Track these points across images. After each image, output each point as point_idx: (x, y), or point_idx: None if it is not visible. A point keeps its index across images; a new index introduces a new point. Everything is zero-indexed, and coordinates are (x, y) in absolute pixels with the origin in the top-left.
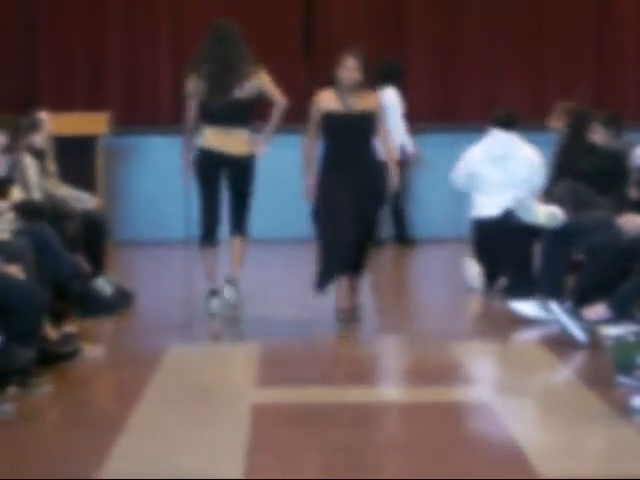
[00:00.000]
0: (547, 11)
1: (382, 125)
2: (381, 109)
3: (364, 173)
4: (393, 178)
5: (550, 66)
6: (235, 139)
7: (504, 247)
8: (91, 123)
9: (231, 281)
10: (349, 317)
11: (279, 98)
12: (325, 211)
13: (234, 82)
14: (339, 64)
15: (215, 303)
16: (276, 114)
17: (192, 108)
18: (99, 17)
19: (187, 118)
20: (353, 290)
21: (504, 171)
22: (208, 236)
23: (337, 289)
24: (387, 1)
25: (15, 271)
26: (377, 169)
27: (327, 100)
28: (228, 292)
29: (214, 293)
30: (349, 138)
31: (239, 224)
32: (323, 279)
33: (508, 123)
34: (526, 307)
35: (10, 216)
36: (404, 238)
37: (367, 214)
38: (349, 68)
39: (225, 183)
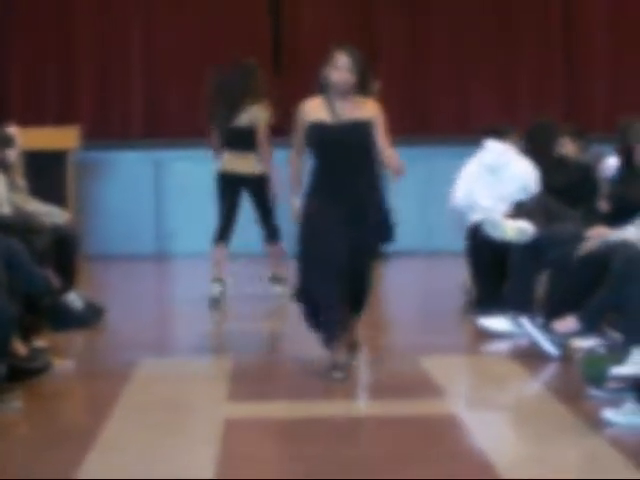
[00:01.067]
0: (517, 28)
1: (381, 139)
2: (380, 118)
3: (359, 199)
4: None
5: (521, 82)
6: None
7: (471, 262)
8: (61, 137)
9: (278, 279)
10: (344, 370)
11: (260, 133)
12: (310, 247)
13: (234, 114)
14: (328, 64)
15: (217, 288)
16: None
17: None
18: (69, 31)
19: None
20: (351, 329)
21: (498, 182)
22: (222, 235)
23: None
24: (356, 17)
25: None
26: (376, 194)
27: (313, 109)
28: (275, 288)
29: (218, 280)
30: (339, 155)
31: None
32: (325, 337)
33: (500, 133)
34: (496, 322)
35: None
36: None
37: (363, 250)
38: (341, 68)
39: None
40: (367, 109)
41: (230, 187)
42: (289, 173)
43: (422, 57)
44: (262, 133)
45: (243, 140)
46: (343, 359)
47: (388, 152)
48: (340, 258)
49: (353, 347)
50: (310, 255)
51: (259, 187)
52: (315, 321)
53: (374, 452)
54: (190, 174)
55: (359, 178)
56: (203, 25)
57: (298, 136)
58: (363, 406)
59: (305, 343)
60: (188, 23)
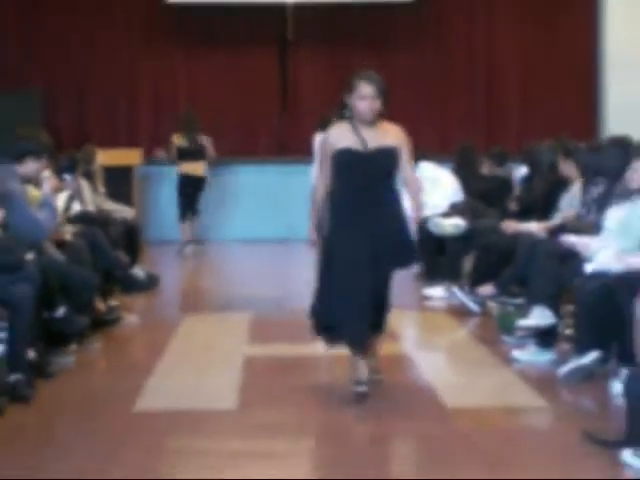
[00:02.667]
0: (452, 79)
1: (407, 166)
2: (406, 145)
3: (382, 223)
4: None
5: (453, 117)
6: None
7: (419, 247)
8: (129, 156)
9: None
10: (367, 385)
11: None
12: (333, 273)
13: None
14: (352, 93)
15: (189, 249)
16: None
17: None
18: (135, 79)
19: None
20: (371, 352)
21: (436, 189)
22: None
23: (354, 362)
24: (342, 74)
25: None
26: (400, 219)
27: (340, 136)
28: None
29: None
30: (366, 180)
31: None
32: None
33: (428, 156)
34: (435, 291)
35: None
36: None
37: (385, 272)
38: (366, 97)
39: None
40: (393, 135)
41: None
42: (314, 199)
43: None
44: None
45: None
46: (365, 374)
47: (414, 185)
48: (364, 282)
49: (376, 371)
50: (334, 278)
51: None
52: (331, 334)
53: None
54: (219, 182)
55: (383, 203)
56: (231, 77)
57: (325, 163)
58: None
59: (301, 303)
60: (220, 75)
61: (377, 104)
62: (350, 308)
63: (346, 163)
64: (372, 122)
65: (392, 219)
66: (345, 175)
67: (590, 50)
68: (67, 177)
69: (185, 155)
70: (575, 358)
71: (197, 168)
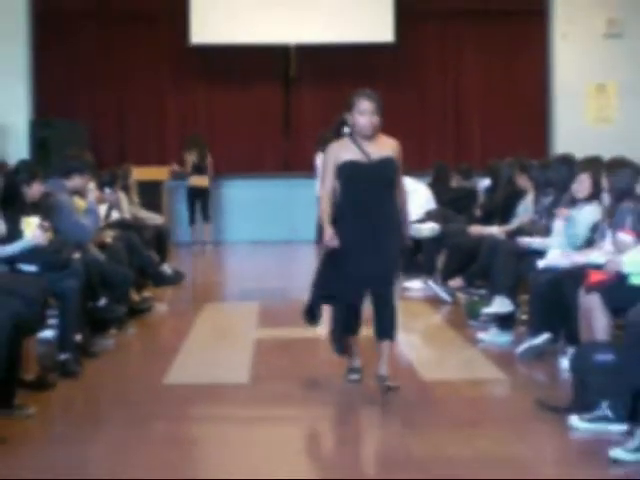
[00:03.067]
0: (426, 104)
1: (399, 178)
2: (400, 156)
3: (384, 228)
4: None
5: (428, 137)
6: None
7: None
8: (159, 173)
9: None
10: (360, 373)
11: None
12: (336, 263)
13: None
14: (352, 110)
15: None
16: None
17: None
18: (162, 107)
19: None
20: (382, 357)
21: (416, 198)
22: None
23: (348, 347)
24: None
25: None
26: (397, 223)
27: (343, 150)
28: None
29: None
30: (370, 189)
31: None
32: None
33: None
34: (413, 283)
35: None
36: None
37: (387, 276)
38: (367, 112)
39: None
40: (389, 146)
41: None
42: (322, 207)
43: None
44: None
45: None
46: (358, 364)
47: (403, 197)
48: (363, 277)
49: (388, 378)
50: (335, 271)
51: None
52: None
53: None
54: (234, 193)
55: (384, 209)
56: (243, 107)
57: (330, 175)
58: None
59: (303, 294)
60: (234, 105)
61: (376, 119)
62: (347, 284)
63: (352, 174)
64: (371, 136)
65: (391, 221)
66: (351, 186)
67: (541, 83)
68: (107, 190)
69: (195, 170)
70: (529, 339)
71: (203, 181)
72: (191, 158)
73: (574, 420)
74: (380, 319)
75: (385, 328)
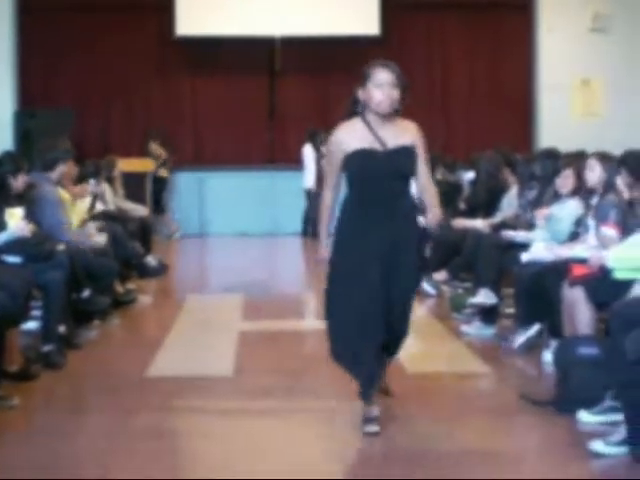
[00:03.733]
0: (412, 101)
1: (424, 169)
2: (422, 143)
3: (404, 233)
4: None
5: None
6: None
7: None
8: (143, 164)
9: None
10: (378, 423)
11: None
12: (345, 289)
13: None
14: (367, 82)
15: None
16: None
17: None
18: (147, 98)
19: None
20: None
21: None
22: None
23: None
24: (323, 98)
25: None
26: (414, 226)
27: (352, 135)
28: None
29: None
30: (384, 185)
31: None
32: (364, 390)
33: None
34: None
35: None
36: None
37: (403, 295)
38: (385, 84)
39: None
40: (409, 132)
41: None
42: (322, 212)
43: None
44: None
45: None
46: (376, 412)
47: (431, 192)
48: (377, 309)
49: (386, 392)
50: (344, 305)
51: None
52: (353, 370)
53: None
54: (219, 185)
55: (399, 210)
56: (229, 99)
57: (334, 169)
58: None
59: (285, 287)
60: (220, 97)
61: (396, 94)
62: (364, 348)
63: (362, 167)
64: (389, 117)
65: (409, 237)
66: (361, 183)
67: (526, 77)
68: (92, 181)
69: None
70: (520, 332)
71: (165, 172)
72: (157, 149)
73: (583, 415)
74: (389, 339)
75: (392, 347)
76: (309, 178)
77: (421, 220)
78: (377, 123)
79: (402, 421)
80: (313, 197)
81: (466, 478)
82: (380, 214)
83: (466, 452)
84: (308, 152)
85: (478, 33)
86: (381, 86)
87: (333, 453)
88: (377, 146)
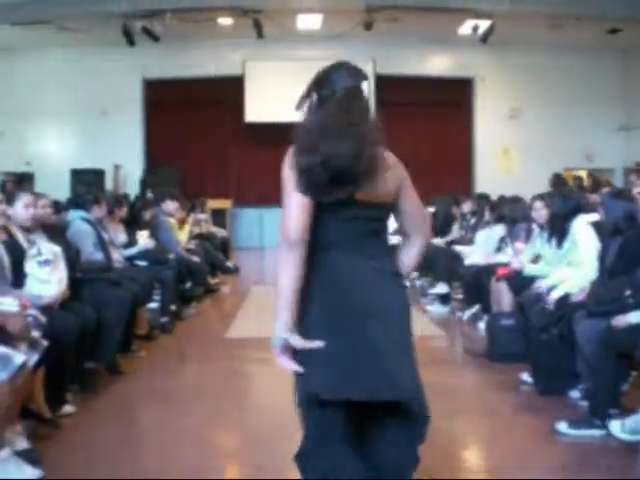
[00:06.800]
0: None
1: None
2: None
3: (394, 316)
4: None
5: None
6: None
7: None
8: (224, 203)
9: None
10: None
11: None
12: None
13: None
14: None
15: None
16: None
17: None
18: (226, 160)
19: None
20: None
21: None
22: None
23: None
24: None
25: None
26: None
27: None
28: None
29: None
30: (366, 242)
31: None
32: None
33: None
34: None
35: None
36: None
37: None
38: None
39: None
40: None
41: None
42: (285, 283)
43: None
44: None
45: None
46: None
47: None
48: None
49: None
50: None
51: None
52: None
53: None
54: (271, 217)
55: (386, 277)
56: (280, 159)
57: (303, 216)
58: None
59: None
60: (276, 157)
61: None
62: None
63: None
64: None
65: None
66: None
67: (467, 147)
68: (191, 214)
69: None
70: (465, 309)
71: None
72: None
73: (574, 393)
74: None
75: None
76: None
77: None
78: None
79: None
80: None
81: (429, 403)
82: (360, 282)
83: (429, 387)
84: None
85: (437, 122)
86: None
87: None
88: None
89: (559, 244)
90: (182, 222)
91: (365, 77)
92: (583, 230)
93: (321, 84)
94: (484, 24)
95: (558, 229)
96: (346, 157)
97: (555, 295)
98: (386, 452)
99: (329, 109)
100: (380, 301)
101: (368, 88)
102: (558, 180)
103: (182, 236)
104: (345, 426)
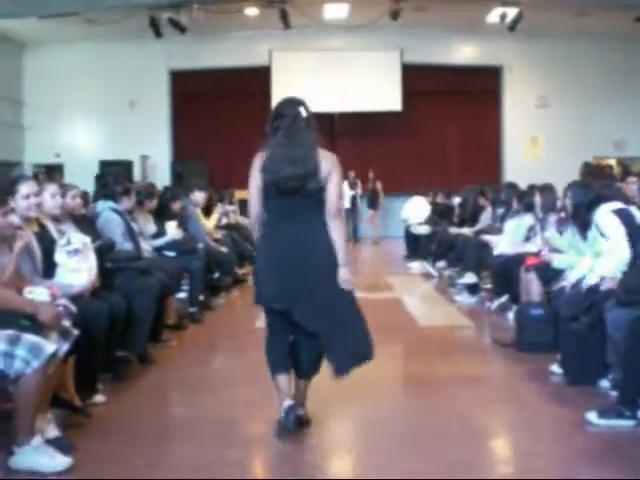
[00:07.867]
0: (422, 152)
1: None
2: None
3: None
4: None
5: (424, 172)
6: None
7: (405, 240)
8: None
9: None
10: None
11: None
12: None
13: None
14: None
15: None
16: None
17: None
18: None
19: None
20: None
21: (420, 209)
22: None
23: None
24: (368, 151)
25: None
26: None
27: None
28: None
29: None
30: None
31: None
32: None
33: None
34: (414, 264)
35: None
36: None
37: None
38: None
39: None
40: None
41: None
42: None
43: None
44: None
45: None
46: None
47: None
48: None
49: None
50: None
51: None
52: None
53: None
54: None
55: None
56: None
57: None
58: (359, 295)
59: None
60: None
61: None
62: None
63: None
64: None
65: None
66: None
67: (496, 136)
68: (219, 205)
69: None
70: (494, 299)
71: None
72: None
73: (604, 383)
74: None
75: (307, 369)
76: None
77: None
78: None
79: (415, 355)
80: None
81: (458, 393)
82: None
83: (457, 376)
84: (345, 187)
85: (465, 111)
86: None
87: (368, 376)
88: None
89: (583, 235)
90: (207, 211)
91: (302, 103)
92: (606, 218)
93: (274, 117)
94: (512, 12)
95: (581, 220)
96: (292, 178)
97: (591, 281)
98: (301, 351)
99: (279, 138)
100: (303, 249)
101: (306, 109)
102: (588, 169)
103: (209, 224)
104: (281, 322)
